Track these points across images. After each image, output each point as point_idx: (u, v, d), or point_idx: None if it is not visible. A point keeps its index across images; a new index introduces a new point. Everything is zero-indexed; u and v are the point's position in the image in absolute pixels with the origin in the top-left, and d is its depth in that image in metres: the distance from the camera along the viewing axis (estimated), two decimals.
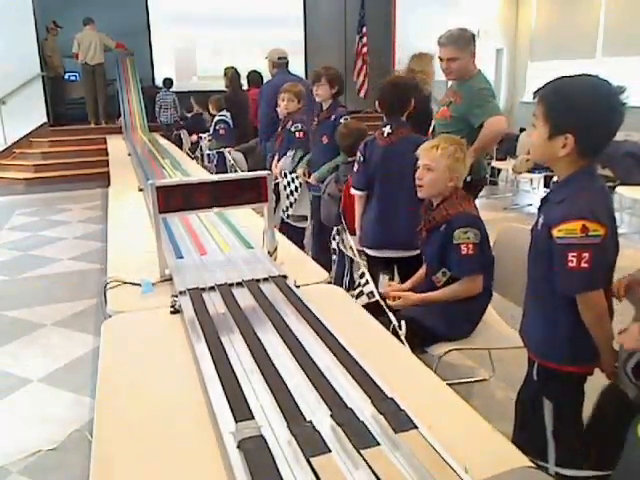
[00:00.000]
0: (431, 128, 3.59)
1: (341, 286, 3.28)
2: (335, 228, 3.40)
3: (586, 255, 1.46)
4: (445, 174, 2.18)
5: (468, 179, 3.04)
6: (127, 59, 9.40)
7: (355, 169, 2.87)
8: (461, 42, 3.10)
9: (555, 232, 1.50)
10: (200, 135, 7.48)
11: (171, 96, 8.97)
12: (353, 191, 2.92)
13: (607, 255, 1.52)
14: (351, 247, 3.32)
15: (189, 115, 8.37)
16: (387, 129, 2.76)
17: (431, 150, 2.20)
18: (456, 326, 2.18)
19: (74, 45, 8.72)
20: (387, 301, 2.21)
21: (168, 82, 9.13)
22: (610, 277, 1.62)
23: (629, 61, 8.63)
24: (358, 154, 2.84)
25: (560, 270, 1.52)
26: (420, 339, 2.10)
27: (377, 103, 2.85)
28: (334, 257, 3.57)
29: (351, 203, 3.18)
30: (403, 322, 2.03)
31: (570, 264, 1.48)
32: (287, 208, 4.14)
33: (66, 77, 9.77)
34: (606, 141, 1.54)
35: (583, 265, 1.47)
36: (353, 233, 3.24)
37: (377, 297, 2.21)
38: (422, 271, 2.40)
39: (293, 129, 4.11)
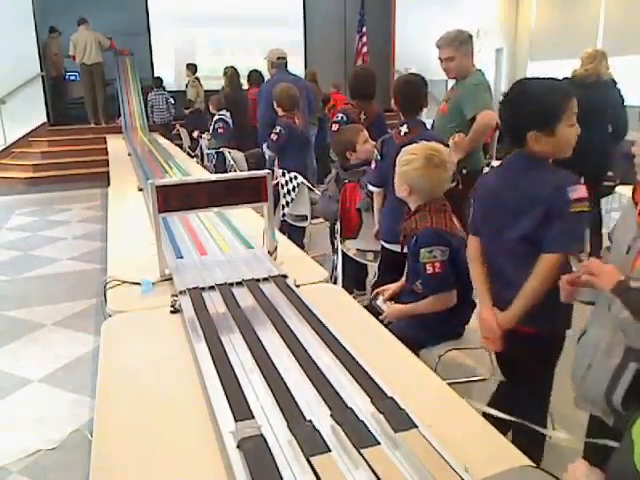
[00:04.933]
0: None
1: (342, 286, 3.29)
2: (335, 227, 3.41)
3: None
4: (399, 182, 2.22)
5: (464, 171, 3.12)
6: (127, 59, 9.39)
7: (372, 166, 2.90)
8: (456, 42, 3.24)
9: None
10: (200, 134, 7.48)
11: (163, 95, 8.93)
12: (370, 187, 2.94)
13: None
14: (359, 249, 3.33)
15: (187, 111, 8.34)
16: (404, 128, 2.78)
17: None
18: (440, 333, 2.17)
19: (70, 47, 8.72)
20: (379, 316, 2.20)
21: (158, 81, 9.10)
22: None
23: (629, 60, 8.64)
24: (375, 152, 2.87)
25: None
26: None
27: (393, 102, 2.92)
28: (334, 257, 3.59)
29: (350, 207, 3.18)
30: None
31: None
32: (283, 207, 4.17)
33: (66, 77, 9.78)
34: None
35: None
36: (348, 237, 3.25)
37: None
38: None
39: (274, 130, 4.25)
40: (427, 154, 2.13)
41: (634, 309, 1.24)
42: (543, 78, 1.74)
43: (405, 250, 2.29)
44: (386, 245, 2.88)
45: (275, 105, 4.31)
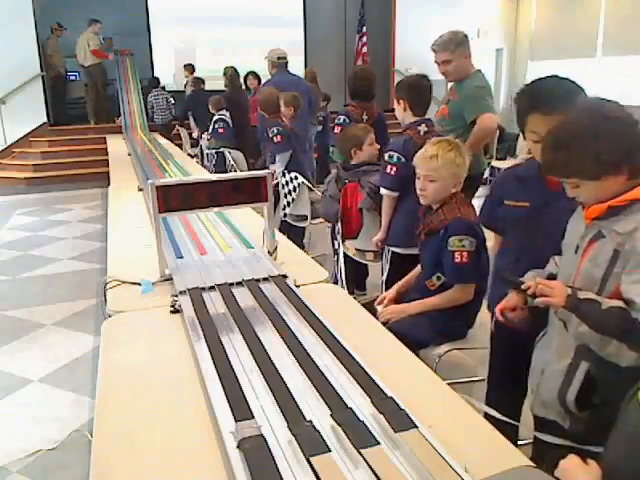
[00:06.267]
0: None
1: (341, 286, 3.29)
2: (336, 227, 3.40)
3: None
4: (449, 181, 2.16)
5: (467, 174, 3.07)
6: (127, 59, 9.39)
7: (389, 171, 2.72)
8: (452, 45, 3.18)
9: None
10: (200, 134, 7.48)
11: (163, 96, 8.91)
12: (385, 192, 2.79)
13: None
14: (358, 249, 3.32)
15: (192, 90, 8.24)
16: (423, 127, 2.73)
17: (431, 161, 2.15)
18: (445, 333, 2.17)
19: (76, 47, 8.77)
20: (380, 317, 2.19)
21: (155, 82, 9.08)
22: None
23: (629, 61, 8.64)
24: (394, 155, 2.71)
25: None
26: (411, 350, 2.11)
27: (406, 102, 2.80)
28: (334, 257, 3.59)
29: (351, 207, 3.17)
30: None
31: None
32: (285, 207, 4.17)
33: (67, 77, 9.78)
34: None
35: None
36: (350, 237, 3.24)
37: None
38: (414, 273, 2.37)
39: (270, 134, 4.25)
40: (452, 146, 2.17)
41: (592, 324, 1.23)
42: (558, 78, 1.59)
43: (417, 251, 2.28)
44: (400, 251, 2.79)
45: (259, 110, 4.42)
